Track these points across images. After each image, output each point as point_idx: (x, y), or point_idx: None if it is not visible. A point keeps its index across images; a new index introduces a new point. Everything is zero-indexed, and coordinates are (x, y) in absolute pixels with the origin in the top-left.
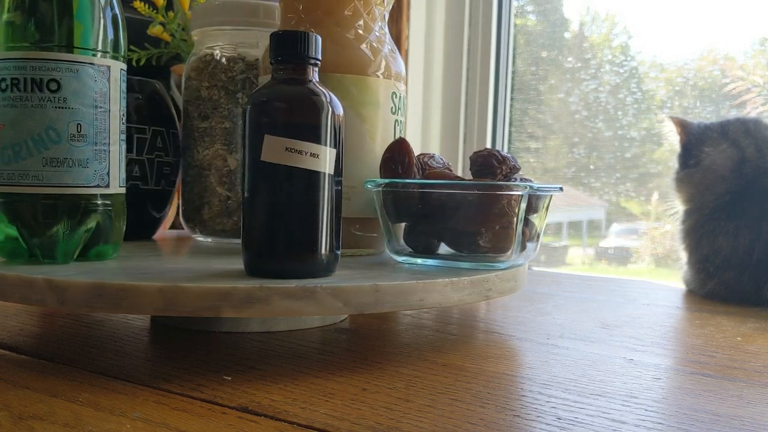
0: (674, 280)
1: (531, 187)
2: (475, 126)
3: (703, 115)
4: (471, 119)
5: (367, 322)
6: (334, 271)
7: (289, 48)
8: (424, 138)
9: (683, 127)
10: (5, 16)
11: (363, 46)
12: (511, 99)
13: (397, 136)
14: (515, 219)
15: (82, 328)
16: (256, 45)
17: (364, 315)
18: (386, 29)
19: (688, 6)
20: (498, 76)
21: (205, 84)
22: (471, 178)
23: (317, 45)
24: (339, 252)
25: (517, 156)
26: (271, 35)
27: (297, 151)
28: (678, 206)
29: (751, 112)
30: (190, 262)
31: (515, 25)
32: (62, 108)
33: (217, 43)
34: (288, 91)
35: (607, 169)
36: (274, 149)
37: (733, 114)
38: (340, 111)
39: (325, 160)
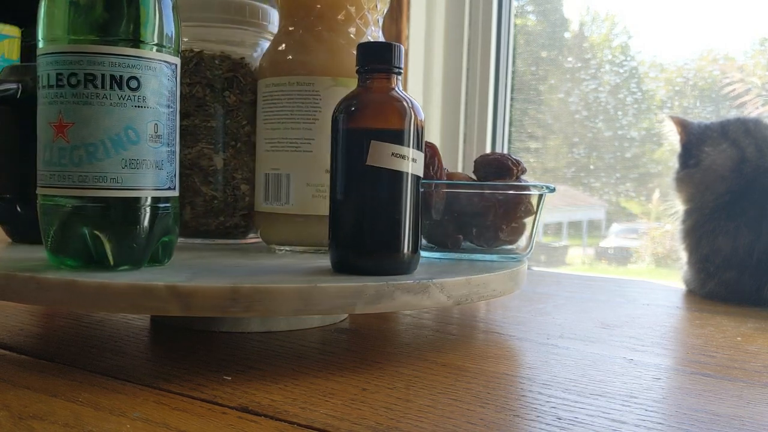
0: (674, 280)
1: (547, 188)
2: (475, 126)
3: (703, 115)
4: (471, 119)
5: (367, 322)
6: (416, 269)
7: (376, 58)
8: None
9: (683, 126)
10: (81, 6)
11: (355, 51)
12: (511, 99)
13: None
14: (534, 216)
15: (82, 328)
16: (242, 43)
17: (364, 315)
18: (379, 33)
19: (688, 6)
20: (498, 76)
21: (186, 80)
22: (477, 179)
23: (401, 55)
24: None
25: (517, 156)
26: (359, 46)
27: (401, 156)
28: (678, 206)
29: (752, 112)
30: (261, 260)
31: (515, 25)
32: (141, 107)
33: (201, 40)
34: (379, 98)
35: (607, 169)
36: (380, 154)
37: (733, 114)
38: (422, 116)
39: (420, 163)
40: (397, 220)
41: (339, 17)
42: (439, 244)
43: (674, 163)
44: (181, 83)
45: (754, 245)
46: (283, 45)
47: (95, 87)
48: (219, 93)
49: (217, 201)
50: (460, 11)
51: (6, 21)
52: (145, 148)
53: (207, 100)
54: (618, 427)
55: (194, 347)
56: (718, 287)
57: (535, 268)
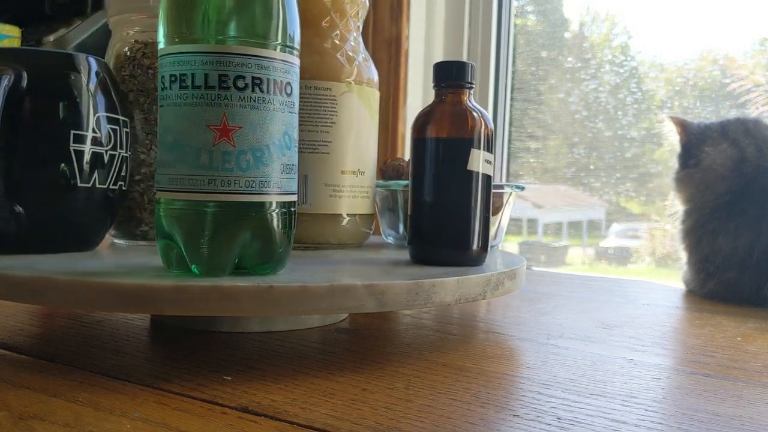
0: (674, 280)
1: (517, 187)
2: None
3: (703, 115)
4: None
5: (367, 322)
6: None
7: (453, 74)
8: None
9: (683, 127)
10: (247, 7)
11: (339, 55)
12: (511, 99)
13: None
14: (501, 211)
15: (82, 328)
16: None
17: (364, 315)
18: (360, 39)
19: (688, 6)
20: (498, 76)
21: None
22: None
23: (473, 72)
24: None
25: (517, 156)
26: (435, 65)
27: (488, 162)
28: (678, 206)
29: (753, 112)
30: (338, 257)
31: (515, 25)
32: (293, 113)
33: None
34: (458, 110)
35: (607, 169)
36: (477, 160)
37: (733, 114)
38: (491, 125)
39: (495, 167)
40: (486, 217)
41: (323, 24)
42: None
43: (674, 163)
44: None
45: (754, 245)
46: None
47: (261, 91)
48: None
49: None
50: (460, 11)
51: (6, 21)
52: (294, 153)
53: None
54: (618, 427)
55: (194, 347)
56: (718, 287)
57: (535, 268)
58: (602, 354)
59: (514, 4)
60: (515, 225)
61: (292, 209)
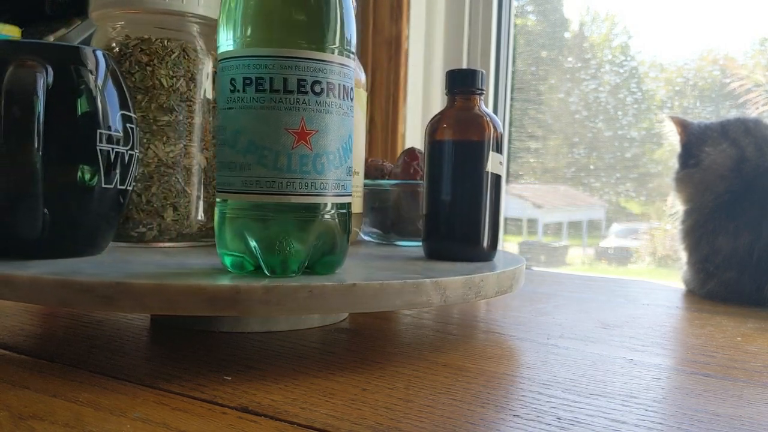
0: (674, 280)
1: None
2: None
3: (703, 115)
4: None
5: (367, 322)
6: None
7: (465, 81)
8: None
9: (683, 126)
10: (328, 16)
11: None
12: (511, 99)
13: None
14: None
15: (82, 328)
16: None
17: (364, 315)
18: None
19: (688, 6)
20: (498, 76)
21: (166, 72)
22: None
23: (484, 78)
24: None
25: (517, 156)
26: (448, 72)
27: (501, 163)
28: (678, 206)
29: (753, 112)
30: (368, 252)
31: (515, 25)
32: (351, 116)
33: (185, 32)
34: (470, 115)
35: (607, 169)
36: (495, 162)
37: (733, 114)
38: (501, 129)
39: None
40: (496, 215)
41: None
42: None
43: (674, 163)
44: (160, 75)
45: (754, 245)
46: None
47: (334, 96)
48: (201, 88)
49: (203, 201)
50: (460, 11)
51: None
52: (351, 155)
53: (192, 95)
54: (618, 427)
55: (194, 347)
56: (718, 287)
57: (535, 268)
58: (602, 354)
59: (514, 4)
60: (515, 225)
61: (350, 210)
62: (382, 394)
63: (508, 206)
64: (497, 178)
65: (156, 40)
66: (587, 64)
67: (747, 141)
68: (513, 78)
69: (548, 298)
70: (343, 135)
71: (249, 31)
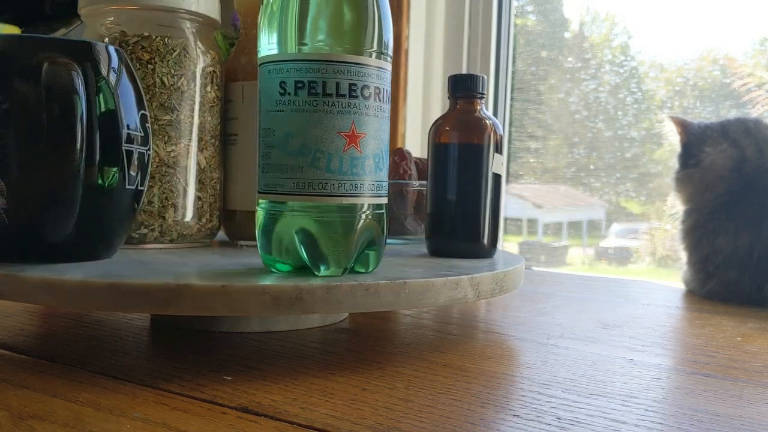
0: (674, 280)
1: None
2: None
3: (703, 115)
4: None
5: (367, 322)
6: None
7: (467, 86)
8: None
9: (683, 127)
10: (374, 22)
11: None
12: (511, 99)
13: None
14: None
15: (82, 328)
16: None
17: (364, 315)
18: None
19: (688, 6)
20: (498, 76)
21: (167, 71)
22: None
23: (484, 83)
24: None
25: (517, 156)
26: (450, 77)
27: (502, 164)
28: (678, 206)
29: (756, 111)
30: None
31: (515, 25)
32: (388, 120)
33: (182, 28)
34: (472, 118)
35: (607, 169)
36: (498, 163)
37: (733, 114)
38: (501, 131)
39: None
40: (496, 213)
41: None
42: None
43: (674, 163)
44: (161, 73)
45: (754, 245)
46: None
47: (378, 100)
48: (203, 88)
49: (201, 202)
50: (460, 11)
51: (6, 21)
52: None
53: (192, 94)
54: (618, 427)
55: (194, 347)
56: (718, 287)
57: (535, 268)
58: (602, 354)
59: (514, 4)
60: (515, 225)
61: (387, 209)
62: (382, 394)
63: (508, 206)
64: (497, 177)
65: (156, 37)
66: (587, 64)
67: (747, 141)
68: (513, 78)
69: (548, 298)
70: (383, 138)
71: (301, 36)
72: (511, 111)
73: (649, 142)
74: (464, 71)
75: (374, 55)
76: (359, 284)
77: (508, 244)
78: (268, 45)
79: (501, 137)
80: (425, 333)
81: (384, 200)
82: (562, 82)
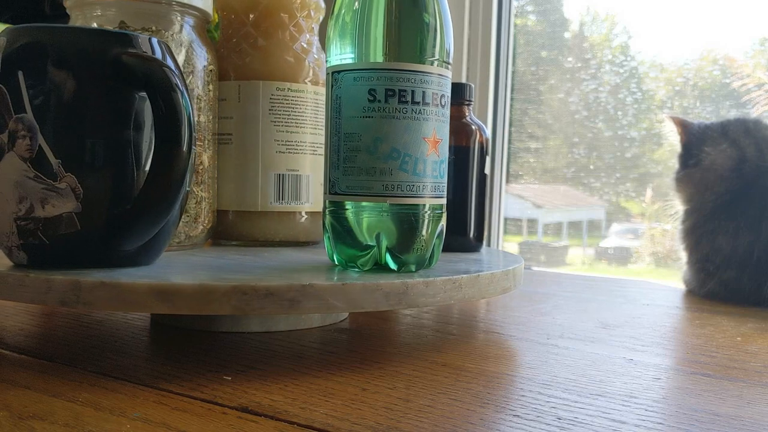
0: (674, 280)
1: None
2: None
3: (703, 115)
4: None
5: (367, 322)
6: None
7: (455, 94)
8: None
9: (683, 126)
10: (449, 35)
11: (287, 56)
12: (511, 99)
13: None
14: None
15: (82, 328)
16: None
17: (364, 315)
18: (314, 40)
19: (688, 6)
20: (498, 76)
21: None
22: None
23: (471, 91)
24: None
25: (517, 156)
26: None
27: (488, 165)
28: (678, 206)
29: (755, 112)
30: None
31: (515, 25)
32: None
33: (183, 23)
34: (460, 124)
35: (607, 169)
36: (485, 164)
37: (733, 114)
38: (487, 134)
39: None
40: (482, 210)
41: (273, 25)
42: None
43: (674, 163)
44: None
45: (754, 245)
46: (300, 49)
47: (447, 108)
48: (206, 86)
49: (205, 203)
50: (460, 11)
51: (6, 21)
52: None
53: (198, 92)
54: (618, 427)
55: (194, 347)
56: (717, 287)
57: (535, 268)
58: (602, 354)
59: (514, 4)
60: (515, 225)
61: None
62: (382, 394)
63: (508, 206)
64: (483, 177)
65: (166, 33)
66: (587, 64)
67: (747, 141)
68: (513, 78)
69: (548, 298)
70: (446, 142)
71: (388, 47)
72: (511, 111)
73: (649, 142)
74: (464, 71)
75: (444, 65)
76: (448, 279)
77: (508, 244)
78: (340, 54)
79: (487, 140)
80: (425, 333)
81: (445, 200)
82: (562, 82)
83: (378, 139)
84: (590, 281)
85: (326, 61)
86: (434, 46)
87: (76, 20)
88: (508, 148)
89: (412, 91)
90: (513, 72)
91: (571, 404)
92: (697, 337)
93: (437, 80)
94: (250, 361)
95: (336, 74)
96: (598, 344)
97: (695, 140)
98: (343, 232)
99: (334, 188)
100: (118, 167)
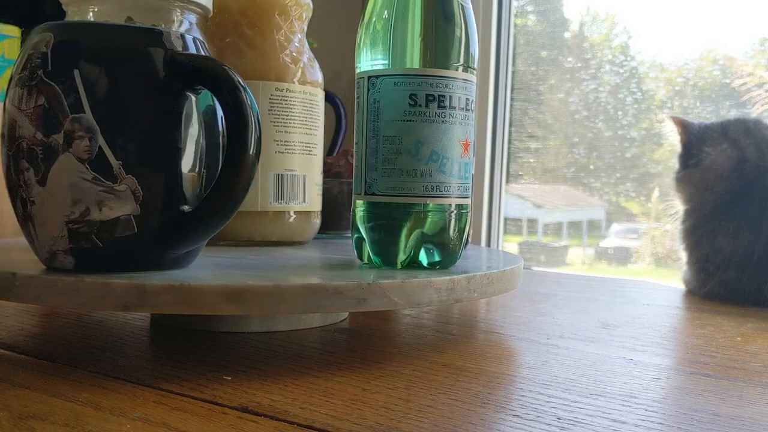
0: (674, 280)
1: None
2: (476, 126)
3: (703, 115)
4: None
5: (367, 322)
6: None
7: None
8: None
9: (684, 126)
10: (462, 40)
11: (283, 56)
12: (511, 99)
13: None
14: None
15: (82, 328)
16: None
17: (364, 315)
18: (305, 41)
19: (688, 6)
20: (498, 76)
21: None
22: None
23: None
24: None
25: (517, 156)
26: None
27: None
28: (678, 206)
29: (755, 111)
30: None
31: (515, 25)
32: None
33: (187, 20)
34: None
35: (607, 169)
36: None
37: (733, 114)
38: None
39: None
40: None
41: (268, 26)
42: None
43: (674, 163)
44: None
45: (754, 245)
46: (294, 50)
47: (472, 111)
48: None
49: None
50: None
51: (6, 21)
52: None
53: None
54: (618, 427)
55: (194, 347)
56: (718, 287)
57: (535, 268)
58: (602, 354)
59: (514, 4)
60: (515, 225)
61: None
62: (382, 394)
63: (508, 206)
64: None
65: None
66: (587, 64)
67: (747, 141)
68: (513, 78)
69: (548, 298)
70: (474, 145)
71: (426, 54)
72: (511, 111)
73: (649, 142)
74: None
75: (471, 70)
76: (484, 274)
77: (508, 244)
78: (372, 60)
79: None
80: (425, 333)
81: (467, 201)
82: (562, 82)
83: (419, 142)
84: (590, 281)
85: (356, 67)
86: (464, 53)
87: (74, 16)
88: (508, 148)
89: (450, 96)
90: (513, 72)
91: (571, 404)
92: (697, 337)
93: (467, 85)
94: (250, 361)
95: (374, 79)
96: (598, 344)
97: (695, 140)
98: (380, 232)
99: (371, 189)
100: (174, 169)
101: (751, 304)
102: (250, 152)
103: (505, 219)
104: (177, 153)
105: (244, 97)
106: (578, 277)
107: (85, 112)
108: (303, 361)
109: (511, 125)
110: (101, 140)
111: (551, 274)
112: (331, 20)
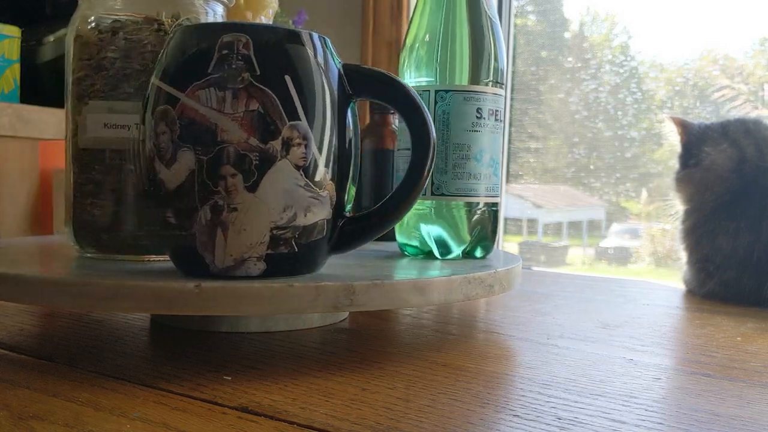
0: (674, 280)
1: None
2: None
3: (703, 115)
4: None
5: (367, 322)
6: None
7: (382, 106)
8: None
9: (683, 126)
10: (492, 61)
11: None
12: (511, 99)
13: None
14: None
15: (82, 328)
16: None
17: (364, 315)
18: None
19: (688, 6)
20: None
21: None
22: None
23: None
24: None
25: (517, 156)
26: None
27: None
28: (678, 206)
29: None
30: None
31: (515, 25)
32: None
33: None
34: (390, 131)
35: (607, 169)
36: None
37: (733, 114)
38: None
39: None
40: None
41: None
42: None
43: (674, 163)
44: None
45: (754, 245)
46: None
47: (501, 122)
48: None
49: None
50: None
51: (6, 21)
52: None
53: None
54: (618, 427)
55: (194, 347)
56: (717, 287)
57: (535, 268)
58: (602, 354)
59: (514, 4)
60: (515, 225)
61: None
62: (382, 394)
63: (509, 206)
64: None
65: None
66: (587, 64)
67: (747, 141)
68: (513, 78)
69: (548, 298)
70: (498, 148)
71: (471, 73)
72: (511, 111)
73: (649, 142)
74: None
75: (500, 85)
76: (483, 274)
77: (508, 244)
78: (419, 77)
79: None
80: (425, 333)
81: (495, 199)
82: (562, 82)
83: (483, 150)
84: (590, 281)
85: (415, 81)
86: (497, 71)
87: (88, 8)
88: (508, 148)
89: (498, 111)
90: (513, 72)
91: (571, 404)
92: (697, 337)
93: (502, 99)
94: (250, 361)
95: (443, 93)
96: (598, 344)
97: (695, 140)
98: (447, 228)
99: (439, 190)
100: (348, 174)
101: (751, 304)
102: (428, 172)
103: (505, 219)
104: (353, 159)
105: (429, 120)
106: (578, 277)
107: (300, 119)
108: (303, 361)
109: (511, 125)
110: (314, 147)
111: (551, 274)
112: (332, 20)
